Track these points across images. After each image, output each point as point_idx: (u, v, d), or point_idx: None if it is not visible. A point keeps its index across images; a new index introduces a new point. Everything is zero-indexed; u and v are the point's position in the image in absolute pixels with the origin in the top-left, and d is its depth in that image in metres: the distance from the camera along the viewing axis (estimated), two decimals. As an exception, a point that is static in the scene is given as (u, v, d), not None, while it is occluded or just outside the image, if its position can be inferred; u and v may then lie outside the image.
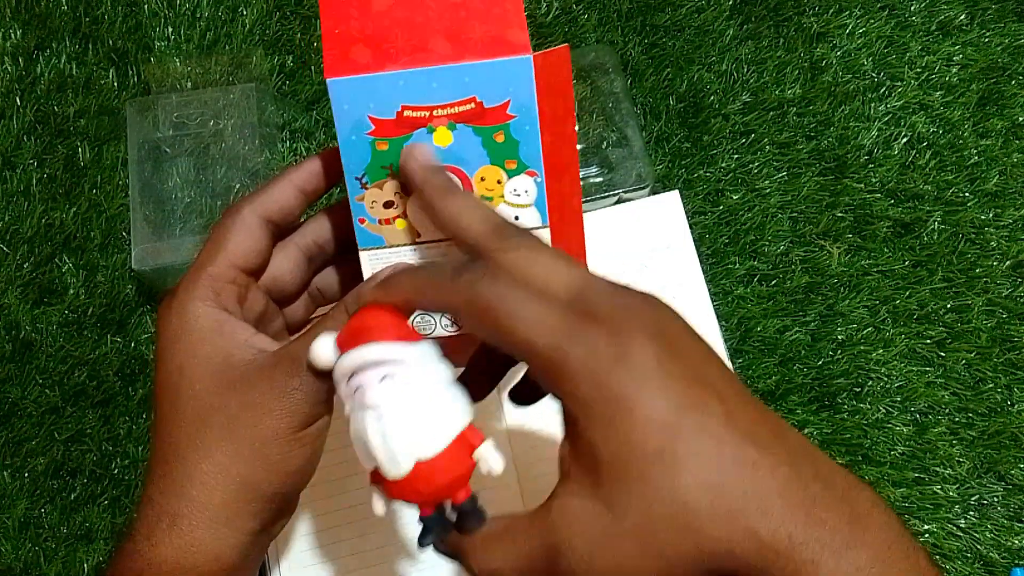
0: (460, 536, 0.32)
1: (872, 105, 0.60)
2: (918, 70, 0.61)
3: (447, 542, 0.32)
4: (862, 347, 0.55)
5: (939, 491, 0.52)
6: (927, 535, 0.51)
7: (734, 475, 0.27)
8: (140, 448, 0.56)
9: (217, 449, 0.35)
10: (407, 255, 0.37)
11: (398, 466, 0.30)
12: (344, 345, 0.32)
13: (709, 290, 0.56)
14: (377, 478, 0.31)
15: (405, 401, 0.30)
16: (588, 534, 0.28)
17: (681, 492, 0.27)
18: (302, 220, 0.40)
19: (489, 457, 0.31)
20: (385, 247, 0.37)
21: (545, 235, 0.37)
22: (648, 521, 0.28)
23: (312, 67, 0.63)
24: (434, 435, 0.30)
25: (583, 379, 0.28)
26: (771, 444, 0.28)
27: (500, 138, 0.36)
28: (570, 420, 0.29)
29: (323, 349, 0.32)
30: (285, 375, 0.34)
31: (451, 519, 0.32)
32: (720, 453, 0.28)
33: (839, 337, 0.55)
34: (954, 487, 0.52)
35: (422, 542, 0.32)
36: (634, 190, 0.57)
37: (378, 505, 0.32)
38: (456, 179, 0.34)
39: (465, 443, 0.31)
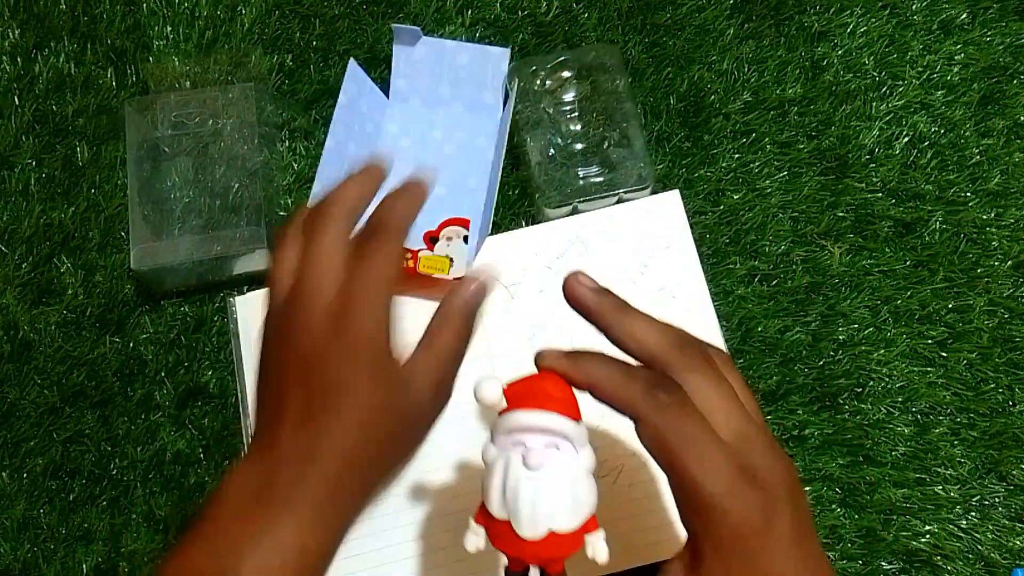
0: None
1: (873, 104, 0.60)
2: (919, 69, 0.61)
3: None
4: (863, 347, 0.55)
5: (940, 492, 0.52)
6: (928, 536, 0.51)
7: None
8: (139, 448, 0.56)
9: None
10: None
11: (535, 529, 0.33)
12: (516, 397, 0.35)
13: (710, 290, 0.56)
14: (486, 522, 0.34)
15: (563, 476, 0.33)
16: None
17: None
18: None
19: (598, 546, 0.34)
20: None
21: None
22: None
23: (311, 66, 0.63)
24: (574, 514, 0.33)
25: (730, 532, 0.32)
26: None
27: None
28: (696, 554, 0.33)
29: (491, 391, 0.35)
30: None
31: None
32: None
33: (840, 337, 0.55)
34: (955, 487, 0.52)
35: None
36: (635, 190, 0.57)
37: (475, 542, 0.35)
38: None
39: (587, 526, 0.34)
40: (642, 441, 0.33)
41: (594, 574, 0.46)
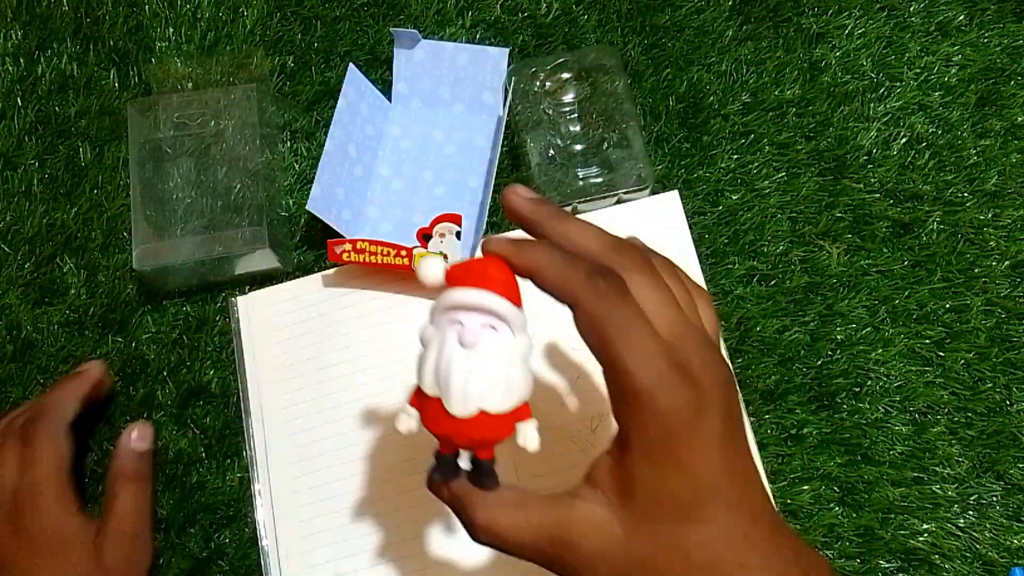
0: (468, 488, 0.35)
1: (871, 105, 0.60)
2: (917, 71, 0.61)
3: (451, 488, 0.35)
4: (861, 347, 0.55)
5: (938, 490, 0.52)
6: (926, 535, 0.52)
7: (737, 548, 0.32)
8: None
9: None
10: None
11: (465, 407, 0.32)
12: (458, 277, 0.34)
13: (708, 290, 0.56)
14: (419, 403, 0.34)
15: (498, 356, 0.33)
16: (599, 543, 0.33)
17: (690, 546, 0.32)
18: None
19: (529, 433, 0.34)
20: None
21: None
22: (652, 554, 0.32)
23: (312, 68, 0.64)
24: (506, 396, 0.33)
25: (658, 423, 0.31)
26: (773, 533, 0.34)
27: None
28: (624, 445, 0.32)
29: (434, 270, 0.34)
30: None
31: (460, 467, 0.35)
32: (732, 526, 0.32)
33: (838, 337, 0.56)
34: (953, 487, 0.52)
35: (434, 477, 0.35)
36: (634, 191, 0.57)
37: (407, 423, 0.34)
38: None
39: (519, 413, 0.34)
40: (578, 328, 0.33)
41: None
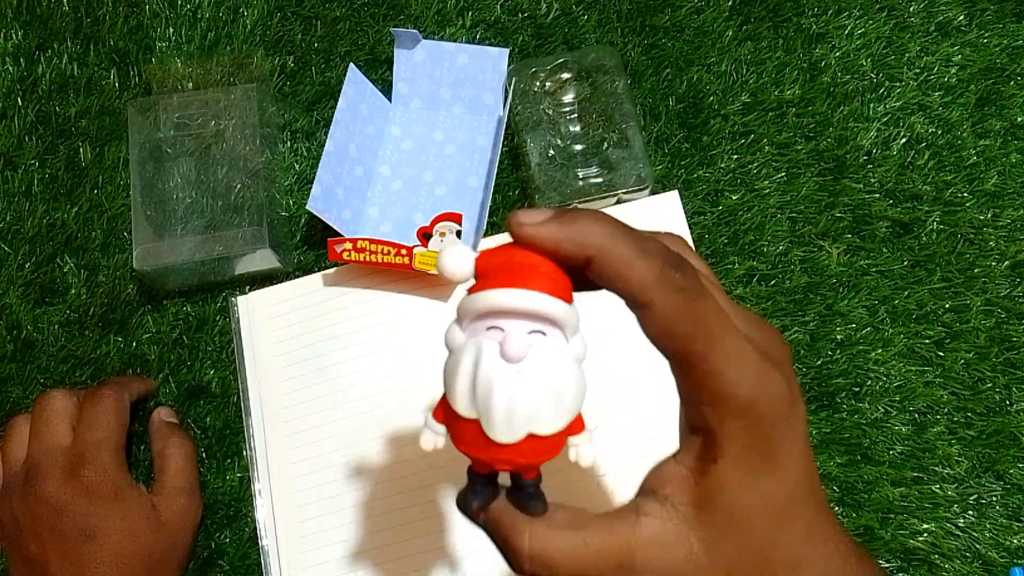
0: (510, 511, 0.29)
1: (871, 106, 0.60)
2: (917, 71, 0.61)
3: (490, 513, 0.30)
4: (861, 347, 0.55)
5: (938, 490, 0.52)
6: (926, 534, 0.52)
7: (825, 550, 0.31)
8: (141, 447, 0.56)
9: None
10: None
11: (512, 434, 0.27)
12: (493, 271, 0.27)
13: (708, 290, 0.56)
14: (448, 420, 0.28)
15: (548, 370, 0.27)
16: (672, 563, 0.29)
17: (777, 550, 0.29)
18: None
19: (582, 450, 0.28)
20: None
21: None
22: (734, 566, 0.29)
23: (312, 68, 0.64)
24: (558, 415, 0.27)
25: (756, 425, 0.28)
26: (847, 535, 0.32)
27: None
28: (709, 454, 0.28)
29: (461, 263, 0.27)
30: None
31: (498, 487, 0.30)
32: (817, 524, 0.30)
33: (838, 337, 0.56)
34: (953, 486, 0.53)
35: (471, 504, 0.29)
36: (634, 191, 0.57)
37: (434, 441, 0.29)
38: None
39: (572, 428, 0.28)
40: (649, 328, 0.28)
41: None
